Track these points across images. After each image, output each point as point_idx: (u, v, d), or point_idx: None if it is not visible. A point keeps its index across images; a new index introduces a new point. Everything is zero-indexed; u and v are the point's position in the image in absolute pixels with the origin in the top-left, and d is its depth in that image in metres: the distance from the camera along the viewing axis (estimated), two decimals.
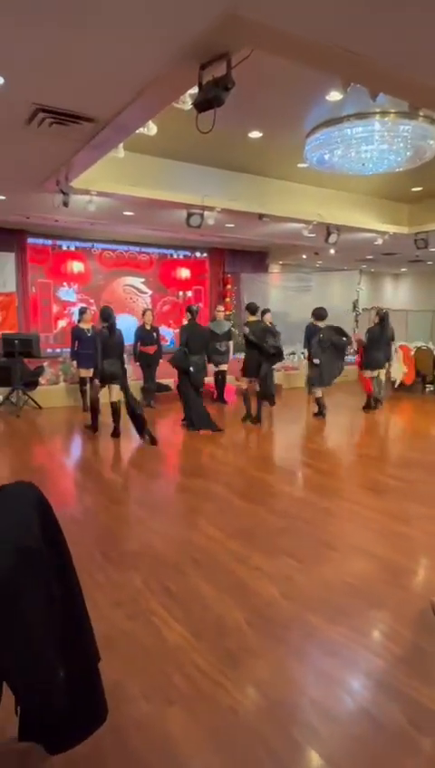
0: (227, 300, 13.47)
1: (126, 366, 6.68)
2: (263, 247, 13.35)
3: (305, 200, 8.64)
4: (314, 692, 2.14)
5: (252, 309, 7.42)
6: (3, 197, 7.50)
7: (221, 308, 9.15)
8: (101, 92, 3.86)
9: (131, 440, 6.56)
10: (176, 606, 2.72)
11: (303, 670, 2.28)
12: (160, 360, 8.39)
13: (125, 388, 6.31)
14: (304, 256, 13.27)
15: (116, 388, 6.41)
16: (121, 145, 5.51)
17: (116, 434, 6.41)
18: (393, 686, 2.17)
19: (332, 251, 11.34)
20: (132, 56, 3.28)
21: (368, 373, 8.33)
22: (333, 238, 9.13)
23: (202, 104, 3.29)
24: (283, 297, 13.31)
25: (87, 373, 7.72)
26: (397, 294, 18.31)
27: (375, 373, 8.36)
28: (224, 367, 8.70)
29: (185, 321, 7.33)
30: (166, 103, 4.08)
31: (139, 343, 8.33)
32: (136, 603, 2.75)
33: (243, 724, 1.97)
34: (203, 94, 3.26)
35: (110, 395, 6.45)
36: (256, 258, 13.79)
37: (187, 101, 4.14)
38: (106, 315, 6.50)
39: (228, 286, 13.55)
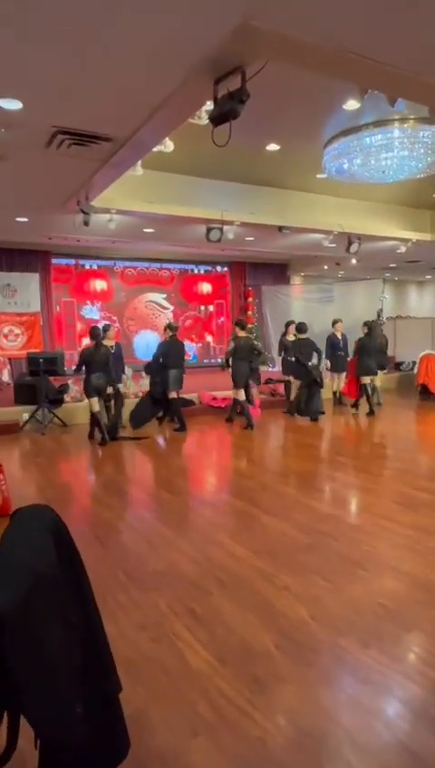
0: (249, 313, 13.44)
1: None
2: (284, 259, 13.33)
3: (325, 211, 8.59)
4: (346, 722, 2.03)
5: (241, 324, 8.10)
6: (25, 219, 7.65)
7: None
8: (117, 112, 3.89)
9: (156, 458, 6.55)
10: (200, 628, 2.64)
11: (334, 698, 2.17)
12: (183, 375, 8.37)
13: (114, 399, 7.14)
14: (326, 267, 13.19)
15: (100, 399, 7.06)
16: (139, 163, 5.56)
17: (92, 437, 7.15)
18: (432, 716, 2.04)
19: (353, 261, 11.24)
20: (148, 74, 3.30)
21: (363, 379, 8.82)
22: (354, 248, 9.04)
23: (218, 118, 3.28)
24: (305, 309, 13.21)
25: (110, 390, 7.75)
26: (422, 302, 18.03)
27: (368, 379, 8.83)
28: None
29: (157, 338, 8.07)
30: (182, 119, 4.09)
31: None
32: (160, 626, 2.68)
33: (271, 756, 1.87)
34: (218, 108, 3.25)
35: (95, 405, 7.04)
36: (277, 270, 13.77)
37: (202, 117, 4.15)
38: (93, 334, 7.16)
39: (250, 299, 13.53)
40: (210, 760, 1.86)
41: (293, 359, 8.83)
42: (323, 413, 8.57)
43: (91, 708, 1.43)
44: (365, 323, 9.03)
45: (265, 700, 2.15)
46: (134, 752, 1.66)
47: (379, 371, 9.26)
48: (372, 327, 9.01)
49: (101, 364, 6.99)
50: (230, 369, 7.92)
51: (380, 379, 9.38)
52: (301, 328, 8.65)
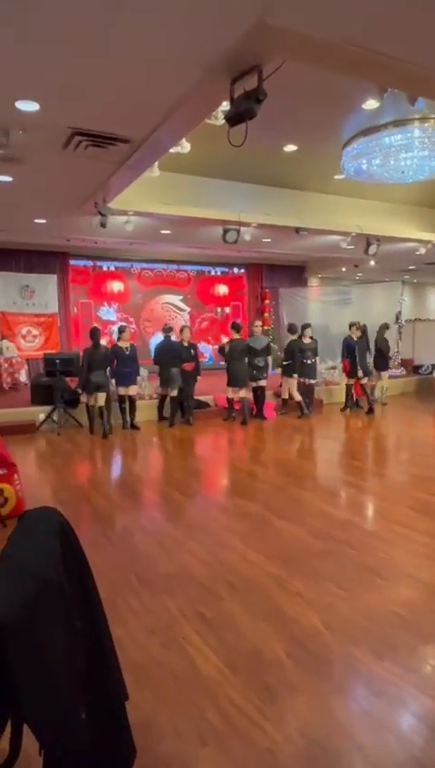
0: (266, 315, 13.37)
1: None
2: (301, 261, 13.25)
3: (343, 212, 8.51)
4: (358, 735, 1.97)
5: (237, 327, 8.50)
6: (44, 221, 7.72)
7: (259, 323, 9.06)
8: (134, 113, 3.90)
9: (170, 459, 6.54)
10: (211, 634, 2.60)
11: (346, 710, 2.12)
12: (199, 377, 8.37)
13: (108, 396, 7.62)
14: (344, 269, 13.07)
15: (102, 395, 7.46)
16: (156, 164, 5.57)
17: (105, 435, 7.41)
18: None
19: (372, 262, 11.13)
20: (164, 75, 3.29)
21: (361, 380, 9.34)
22: (372, 249, 8.94)
23: (234, 118, 3.26)
24: (322, 311, 13.08)
25: (126, 391, 7.79)
26: None
27: (364, 380, 9.32)
28: (263, 382, 8.56)
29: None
30: (198, 120, 4.08)
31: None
32: (170, 630, 2.65)
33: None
34: (235, 108, 3.23)
35: (96, 401, 7.49)
36: (295, 272, 13.69)
37: (219, 117, 4.14)
38: (92, 335, 7.70)
39: (266, 301, 13.47)
40: None
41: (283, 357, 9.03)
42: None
43: (96, 715, 1.41)
44: (357, 326, 9.34)
45: (275, 710, 2.11)
46: (141, 759, 1.64)
47: (379, 373, 9.71)
48: (364, 330, 9.41)
49: (100, 363, 7.50)
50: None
51: (385, 381, 9.88)
52: (292, 329, 9.01)
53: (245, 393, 8.26)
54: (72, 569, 1.44)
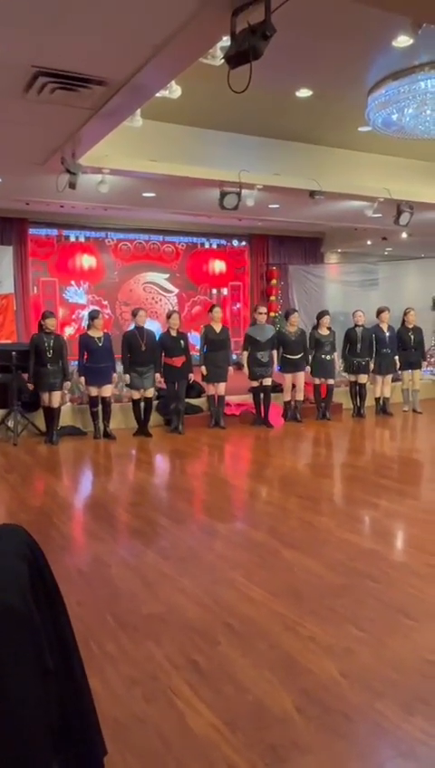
0: (273, 298, 13.47)
1: None
2: (316, 232, 13.36)
3: (369, 172, 8.61)
4: None
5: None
6: None
7: (263, 309, 9.06)
8: (113, 49, 3.97)
9: (154, 476, 6.60)
10: (205, 686, 2.67)
11: None
12: (191, 375, 8.39)
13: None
14: (369, 242, 13.19)
15: (57, 394, 7.79)
16: (139, 112, 5.64)
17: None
18: None
19: (404, 234, 11.23)
20: (151, 2, 3.36)
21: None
22: (404, 218, 9.03)
23: (236, 57, 3.34)
24: (343, 294, 13.22)
25: (97, 391, 7.82)
26: None
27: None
28: (267, 381, 8.60)
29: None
30: (192, 59, 4.16)
31: (162, 354, 8.30)
32: (155, 681, 2.71)
33: None
34: (236, 45, 3.31)
35: (51, 401, 7.77)
36: (308, 246, 13.80)
37: (217, 56, 4.22)
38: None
39: (273, 281, 13.55)
40: None
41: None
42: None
43: None
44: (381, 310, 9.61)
45: None
46: None
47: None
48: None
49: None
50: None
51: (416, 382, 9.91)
52: (289, 314, 9.48)
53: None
54: (41, 597, 1.50)
